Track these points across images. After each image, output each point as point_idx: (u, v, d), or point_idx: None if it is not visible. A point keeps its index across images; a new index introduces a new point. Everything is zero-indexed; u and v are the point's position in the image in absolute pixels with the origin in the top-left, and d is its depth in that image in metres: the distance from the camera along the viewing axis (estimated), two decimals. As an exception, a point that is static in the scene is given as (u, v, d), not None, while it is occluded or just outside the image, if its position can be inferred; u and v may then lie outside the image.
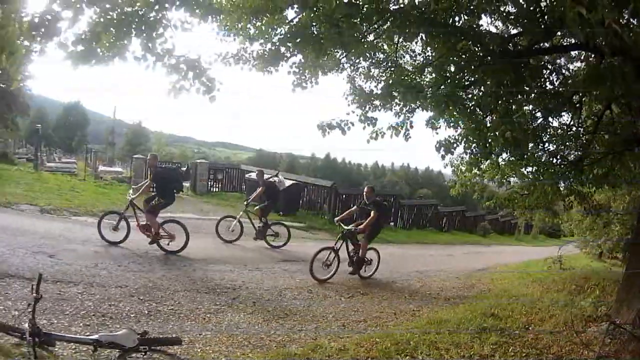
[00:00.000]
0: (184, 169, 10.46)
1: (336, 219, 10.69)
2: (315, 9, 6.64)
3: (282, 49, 7.43)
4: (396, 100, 8.09)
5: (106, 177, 22.66)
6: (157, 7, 5.82)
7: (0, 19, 6.24)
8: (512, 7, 7.86)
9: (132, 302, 6.73)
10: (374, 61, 8.93)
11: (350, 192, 21.80)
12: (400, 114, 8.38)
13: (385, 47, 8.86)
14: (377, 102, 8.25)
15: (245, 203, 13.06)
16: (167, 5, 5.71)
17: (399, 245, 17.34)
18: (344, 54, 8.20)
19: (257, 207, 12.76)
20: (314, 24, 6.81)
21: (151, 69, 5.61)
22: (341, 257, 9.76)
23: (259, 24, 7.28)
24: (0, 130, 31.64)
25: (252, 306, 7.27)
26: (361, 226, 10.23)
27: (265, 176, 13.83)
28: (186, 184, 20.54)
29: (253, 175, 19.56)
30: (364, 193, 10.76)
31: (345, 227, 10.07)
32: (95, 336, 2.79)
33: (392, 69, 8.74)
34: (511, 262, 16.50)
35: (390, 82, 8.21)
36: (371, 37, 7.92)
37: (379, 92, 8.29)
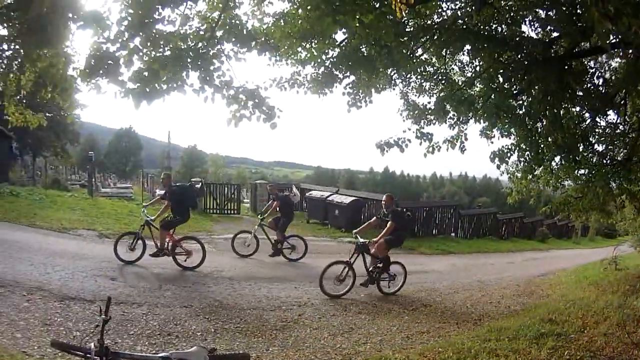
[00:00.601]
0: (199, 185, 10.47)
1: (354, 231, 9.84)
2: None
3: (335, 72, 7.56)
4: (449, 115, 8.12)
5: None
6: (212, 41, 6.05)
7: (51, 59, 6.58)
8: (547, 12, 7.83)
9: (198, 321, 6.84)
10: (424, 75, 8.94)
11: (410, 205, 21.42)
12: (454, 126, 8.39)
13: (434, 60, 8.88)
14: (431, 117, 8.30)
15: (259, 217, 12.98)
16: (223, 41, 5.93)
17: (461, 255, 17.10)
18: (395, 70, 8.25)
19: (271, 219, 12.73)
20: (364, 46, 6.90)
21: (210, 100, 5.75)
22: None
23: (308, 45, 7.34)
24: (51, 158, 32.83)
25: (318, 321, 7.30)
26: (376, 239, 9.42)
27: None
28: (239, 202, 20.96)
29: (314, 194, 19.87)
30: (382, 202, 9.99)
31: (360, 240, 9.34)
32: (164, 354, 2.73)
33: (443, 82, 8.76)
34: (569, 266, 16.03)
35: (442, 96, 8.24)
36: (419, 52, 7.97)
37: (432, 106, 8.36)
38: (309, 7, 6.10)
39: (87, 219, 15.09)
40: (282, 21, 6.83)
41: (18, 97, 8.00)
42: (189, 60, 5.66)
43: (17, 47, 5.70)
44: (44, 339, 5.80)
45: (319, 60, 7.50)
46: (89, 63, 5.33)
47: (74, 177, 35.14)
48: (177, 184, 11.08)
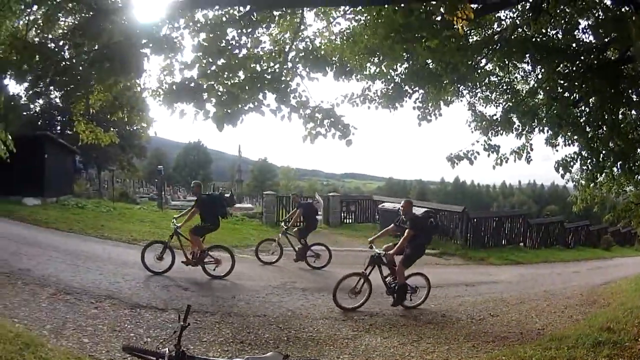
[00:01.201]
0: (228, 194, 10.64)
1: (369, 239, 9.24)
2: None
3: (404, 87, 7.65)
4: (515, 125, 8.13)
5: (236, 214, 22.36)
6: (285, 64, 6.20)
7: (129, 84, 6.79)
8: (597, 18, 7.78)
9: (271, 330, 7.01)
10: (489, 85, 8.97)
11: (481, 215, 21.23)
12: (520, 135, 8.37)
13: (498, 70, 8.87)
14: (498, 128, 8.32)
15: (283, 225, 13.05)
16: (297, 64, 6.07)
17: (528, 265, 16.93)
18: (461, 83, 8.28)
19: (295, 229, 12.76)
20: (430, 62, 6.98)
21: (287, 119, 5.89)
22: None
23: (377, 60, 7.42)
24: (117, 171, 33.51)
25: (389, 331, 7.40)
26: (391, 250, 8.83)
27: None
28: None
29: (386, 206, 19.74)
30: (401, 208, 9.33)
31: (376, 250, 8.80)
32: (241, 358, 2.93)
33: (508, 92, 8.78)
34: (631, 274, 15.48)
35: (507, 107, 8.28)
36: (483, 62, 8.00)
37: (499, 117, 8.40)
38: (379, 33, 6.33)
39: (157, 230, 15.32)
40: (350, 40, 6.97)
41: (87, 115, 8.20)
42: (265, 82, 5.80)
43: (88, 71, 5.83)
44: (113, 344, 6.05)
45: (388, 77, 7.61)
46: (171, 88, 5.50)
47: (142, 190, 35.80)
48: (207, 193, 11.14)
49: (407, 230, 8.76)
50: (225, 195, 11.16)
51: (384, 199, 23.22)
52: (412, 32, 6.19)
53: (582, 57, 7.59)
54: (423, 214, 9.54)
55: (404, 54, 6.72)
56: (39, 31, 7.09)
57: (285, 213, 20.45)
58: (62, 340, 6.04)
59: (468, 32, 7.20)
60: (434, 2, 5.92)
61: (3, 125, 6.32)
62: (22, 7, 7.14)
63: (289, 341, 6.67)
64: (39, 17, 7.02)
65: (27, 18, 7.05)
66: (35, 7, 6.85)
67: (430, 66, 7.01)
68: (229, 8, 6.45)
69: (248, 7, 6.03)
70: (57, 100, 7.17)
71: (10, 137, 8.32)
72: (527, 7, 7.52)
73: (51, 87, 6.02)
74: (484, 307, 9.36)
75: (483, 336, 7.48)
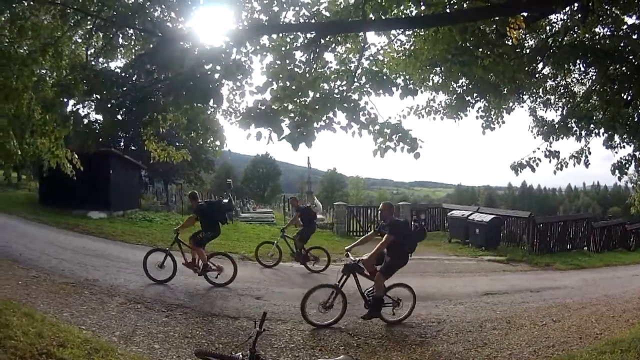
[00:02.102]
0: (226, 200, 10.78)
1: (346, 247, 8.71)
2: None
3: (467, 97, 7.75)
4: (573, 130, 8.16)
5: None
6: (353, 83, 6.31)
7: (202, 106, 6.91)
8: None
9: (341, 337, 7.25)
10: (548, 90, 9.01)
11: (547, 220, 20.62)
12: (579, 139, 8.38)
13: (555, 73, 8.84)
14: (558, 133, 8.33)
15: (282, 229, 13.31)
16: (364, 83, 6.19)
17: (592, 270, 16.58)
18: (521, 89, 8.33)
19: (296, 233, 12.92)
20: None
21: (357, 135, 6.01)
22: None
23: (439, 70, 7.53)
24: (184, 185, 33.82)
25: (455, 337, 7.56)
26: (364, 257, 8.21)
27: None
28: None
29: (455, 213, 19.75)
30: (379, 211, 8.77)
31: (350, 258, 8.23)
32: None
33: (565, 96, 8.80)
34: None
35: (565, 113, 8.32)
36: (540, 67, 8.04)
37: (558, 122, 8.44)
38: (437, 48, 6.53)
39: (228, 242, 15.68)
40: (412, 56, 7.10)
41: (157, 135, 8.37)
42: (335, 101, 5.91)
43: (166, 99, 5.98)
44: (184, 349, 6.36)
45: (450, 89, 7.70)
46: (248, 114, 5.61)
47: None
48: (206, 201, 11.31)
49: (385, 236, 8.16)
50: (224, 201, 11.36)
51: (453, 207, 23.15)
52: (467, 54, 6.48)
53: (630, 57, 7.60)
54: (405, 219, 9.04)
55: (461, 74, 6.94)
56: (102, 58, 7.31)
57: (356, 223, 21.04)
58: (131, 346, 6.34)
59: (522, 38, 7.24)
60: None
61: (77, 142, 6.49)
62: (84, 34, 7.38)
63: (359, 347, 6.90)
64: (100, 44, 7.23)
65: (89, 45, 7.25)
66: (94, 36, 7.05)
67: (490, 78, 7.07)
68: (295, 33, 6.56)
69: (313, 34, 6.15)
70: (119, 117, 7.32)
71: (76, 155, 8.58)
72: (575, 8, 7.54)
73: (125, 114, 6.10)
74: (546, 313, 9.42)
75: (544, 341, 7.60)
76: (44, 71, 7.98)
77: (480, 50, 6.63)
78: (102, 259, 11.40)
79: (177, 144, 14.27)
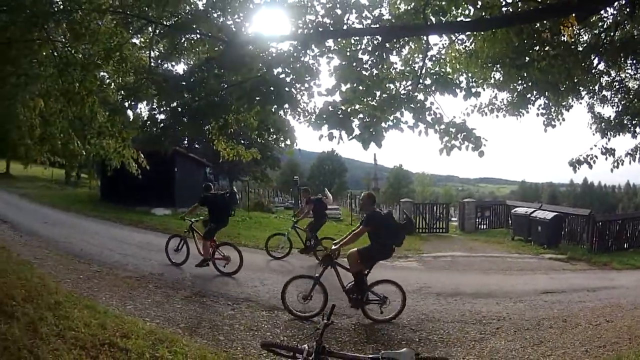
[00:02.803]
0: (228, 194, 11.08)
1: (334, 242, 8.79)
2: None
3: (527, 95, 7.87)
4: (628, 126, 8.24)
5: None
6: (418, 84, 6.47)
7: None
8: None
9: (404, 332, 7.46)
10: (604, 85, 8.98)
11: (606, 218, 20.10)
12: (635, 135, 8.42)
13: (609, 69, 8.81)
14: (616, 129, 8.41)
15: (293, 220, 13.51)
16: (432, 88, 6.35)
17: None
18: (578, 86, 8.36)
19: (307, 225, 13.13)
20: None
21: (424, 134, 6.16)
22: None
23: (499, 67, 7.58)
24: (250, 181, 34.19)
25: (513, 334, 7.68)
26: (335, 245, 8.20)
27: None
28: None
29: (519, 210, 19.75)
30: (360, 202, 8.56)
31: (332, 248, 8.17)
32: (376, 354, 2.99)
33: (620, 92, 8.83)
34: None
35: (620, 107, 8.42)
36: (595, 62, 8.11)
37: (615, 118, 8.52)
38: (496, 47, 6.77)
39: (294, 239, 15.64)
40: (472, 56, 7.27)
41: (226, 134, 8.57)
42: (402, 102, 6.08)
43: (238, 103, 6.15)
44: (249, 342, 6.57)
45: (510, 87, 7.82)
46: (320, 115, 5.79)
47: (277, 200, 36.03)
48: (213, 193, 11.71)
49: (360, 227, 8.17)
50: (226, 195, 11.68)
51: (517, 204, 23.12)
52: (523, 56, 6.73)
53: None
54: (389, 211, 8.90)
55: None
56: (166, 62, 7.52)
57: (422, 220, 21.22)
58: (196, 338, 6.58)
59: (577, 34, 7.34)
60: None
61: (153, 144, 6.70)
62: (147, 39, 7.59)
63: (420, 342, 7.08)
64: (163, 49, 7.43)
65: (152, 49, 7.45)
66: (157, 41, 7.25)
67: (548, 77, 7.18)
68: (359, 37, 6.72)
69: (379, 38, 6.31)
70: (191, 119, 7.71)
71: (142, 155, 8.83)
72: (623, 3, 7.61)
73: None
74: (601, 313, 9.44)
75: (596, 341, 7.68)
76: (104, 74, 8.22)
77: (536, 50, 6.78)
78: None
79: (243, 141, 14.49)
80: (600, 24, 7.77)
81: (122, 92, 7.17)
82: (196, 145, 30.85)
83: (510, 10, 6.60)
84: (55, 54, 7.71)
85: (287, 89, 5.85)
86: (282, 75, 5.98)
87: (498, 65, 7.33)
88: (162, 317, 7.38)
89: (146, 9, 7.00)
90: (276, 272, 10.88)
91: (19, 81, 7.66)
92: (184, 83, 6.37)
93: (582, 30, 7.59)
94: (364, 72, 6.15)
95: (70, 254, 11.29)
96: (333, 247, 8.23)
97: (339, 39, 6.75)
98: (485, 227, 22.71)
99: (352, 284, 7.89)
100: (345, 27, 6.39)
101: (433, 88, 6.43)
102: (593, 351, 7.20)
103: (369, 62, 6.32)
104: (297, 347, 3.19)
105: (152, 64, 7.50)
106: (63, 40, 7.86)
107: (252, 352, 6.21)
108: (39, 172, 26.22)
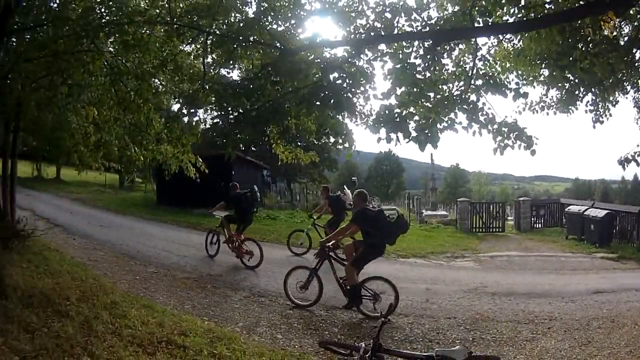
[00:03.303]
0: (249, 193, 11.51)
1: (321, 240, 8.90)
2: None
3: (576, 92, 7.98)
4: None
5: (431, 221, 23.08)
6: (470, 85, 6.64)
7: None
8: None
9: (458, 331, 7.50)
10: None
11: None
12: None
13: None
14: None
15: (313, 217, 13.55)
16: (483, 89, 6.51)
17: None
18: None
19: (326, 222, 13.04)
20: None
21: (478, 134, 6.33)
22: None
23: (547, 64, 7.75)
24: (308, 183, 34.64)
25: (563, 334, 7.69)
26: (325, 239, 8.49)
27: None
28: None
29: (572, 209, 19.31)
30: (352, 201, 8.84)
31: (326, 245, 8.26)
32: (430, 352, 3.01)
33: None
34: None
35: None
36: (638, 55, 8.17)
37: None
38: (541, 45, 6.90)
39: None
40: (520, 55, 7.39)
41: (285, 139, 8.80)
42: (455, 103, 6.26)
43: (297, 108, 6.37)
44: (307, 340, 6.67)
45: (559, 84, 7.95)
46: (377, 118, 5.99)
47: None
48: (236, 192, 12.01)
49: (348, 223, 8.32)
50: (247, 193, 11.97)
51: (570, 202, 22.73)
52: (566, 57, 6.88)
53: None
54: (379, 209, 8.63)
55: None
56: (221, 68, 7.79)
57: (479, 220, 21.11)
58: (254, 336, 6.72)
59: (619, 26, 7.39)
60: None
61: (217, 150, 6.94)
62: (200, 48, 7.86)
63: (474, 341, 7.13)
64: (217, 57, 7.70)
65: (205, 57, 7.72)
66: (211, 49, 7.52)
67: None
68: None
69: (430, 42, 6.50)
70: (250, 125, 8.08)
71: (200, 159, 9.12)
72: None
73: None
74: None
75: (642, 342, 7.80)
76: (157, 82, 8.51)
77: (579, 48, 6.89)
78: (225, 254, 11.85)
79: (300, 143, 14.74)
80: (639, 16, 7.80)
81: (180, 99, 7.42)
82: (253, 148, 31.03)
83: (552, 8, 6.77)
84: (106, 63, 8.04)
85: (344, 94, 6.06)
86: (339, 81, 6.21)
87: (546, 63, 7.44)
88: (221, 316, 7.57)
89: (195, 18, 7.28)
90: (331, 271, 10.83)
91: (71, 91, 8.02)
92: (242, 90, 6.60)
93: (622, 23, 7.62)
94: (417, 76, 6.35)
95: (126, 255, 11.48)
96: (320, 241, 8.69)
97: (391, 43, 6.92)
98: (540, 225, 22.29)
99: (351, 286, 7.98)
100: (395, 30, 6.59)
101: (484, 89, 6.56)
102: (637, 352, 7.15)
103: (422, 66, 6.52)
104: (354, 345, 3.28)
105: (207, 71, 7.75)
106: (112, 50, 8.16)
107: (309, 350, 6.33)
108: (91, 177, 26.67)
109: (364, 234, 8.11)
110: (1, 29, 6.67)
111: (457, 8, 6.87)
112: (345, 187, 17.76)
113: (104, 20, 7.30)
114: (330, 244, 8.21)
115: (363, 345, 3.09)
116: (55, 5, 7.37)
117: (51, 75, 7.44)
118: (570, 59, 7.01)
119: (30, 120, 9.31)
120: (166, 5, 7.76)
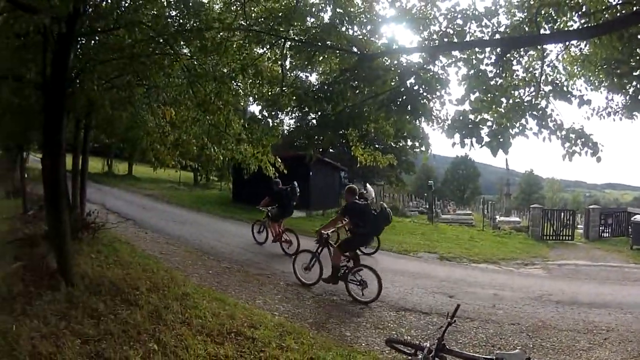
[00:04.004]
0: (289, 188, 12.42)
1: (316, 230, 10.08)
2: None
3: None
4: None
5: (504, 227, 23.32)
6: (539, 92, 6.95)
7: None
8: None
9: (521, 337, 7.68)
10: None
11: None
12: None
13: None
14: None
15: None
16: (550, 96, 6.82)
17: None
18: None
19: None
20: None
21: (547, 140, 6.61)
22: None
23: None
24: (385, 186, 35.33)
25: (617, 346, 7.71)
26: (321, 227, 9.58)
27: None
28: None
29: (638, 218, 18.93)
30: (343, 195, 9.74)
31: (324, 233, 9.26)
32: (490, 355, 3.25)
33: None
34: None
35: None
36: None
37: None
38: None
39: (427, 243, 16.42)
40: (585, 61, 7.70)
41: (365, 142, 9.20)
42: (526, 109, 6.58)
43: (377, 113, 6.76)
44: (373, 338, 6.98)
45: (623, 90, 8.13)
46: (452, 124, 6.37)
47: (411, 204, 36.36)
48: (279, 188, 13.05)
49: (338, 216, 9.55)
50: (288, 190, 13.10)
51: (637, 211, 22.27)
52: (625, 64, 7.09)
53: None
54: (366, 203, 9.41)
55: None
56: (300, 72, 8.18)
57: (550, 227, 21.21)
58: (323, 332, 7.07)
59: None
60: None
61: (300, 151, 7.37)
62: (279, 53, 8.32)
63: (534, 348, 7.32)
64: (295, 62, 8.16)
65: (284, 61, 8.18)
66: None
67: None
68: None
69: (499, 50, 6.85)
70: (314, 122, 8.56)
71: (279, 160, 9.65)
72: None
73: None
74: None
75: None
76: (236, 85, 9.01)
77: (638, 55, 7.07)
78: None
79: (378, 146, 15.08)
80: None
81: (262, 102, 7.88)
82: (331, 150, 31.59)
83: (614, 13, 6.94)
84: (183, 65, 8.45)
85: (420, 99, 6.47)
86: (415, 87, 6.61)
87: (606, 69, 7.64)
88: (291, 312, 7.87)
89: (271, 24, 7.76)
90: (406, 275, 11.16)
91: (149, 92, 8.59)
92: (323, 95, 7.05)
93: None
94: (489, 82, 6.69)
95: (199, 250, 12.06)
96: (316, 230, 9.76)
97: (464, 50, 7.28)
98: (607, 235, 22.10)
99: (347, 265, 9.03)
100: (468, 36, 6.93)
101: (551, 95, 6.85)
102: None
103: (493, 72, 6.85)
104: (419, 345, 3.54)
105: (285, 75, 8.20)
106: (188, 53, 8.61)
107: (375, 348, 6.60)
108: (164, 174, 26.99)
109: (352, 224, 9.19)
110: (71, 32, 6.92)
111: (525, 14, 7.15)
112: (367, 184, 17.95)
113: (180, 26, 7.73)
114: (326, 233, 9.23)
115: (427, 344, 3.35)
116: (123, 9, 7.72)
117: (127, 75, 7.94)
118: (630, 66, 7.21)
119: (104, 119, 9.74)
120: (239, 11, 8.22)
